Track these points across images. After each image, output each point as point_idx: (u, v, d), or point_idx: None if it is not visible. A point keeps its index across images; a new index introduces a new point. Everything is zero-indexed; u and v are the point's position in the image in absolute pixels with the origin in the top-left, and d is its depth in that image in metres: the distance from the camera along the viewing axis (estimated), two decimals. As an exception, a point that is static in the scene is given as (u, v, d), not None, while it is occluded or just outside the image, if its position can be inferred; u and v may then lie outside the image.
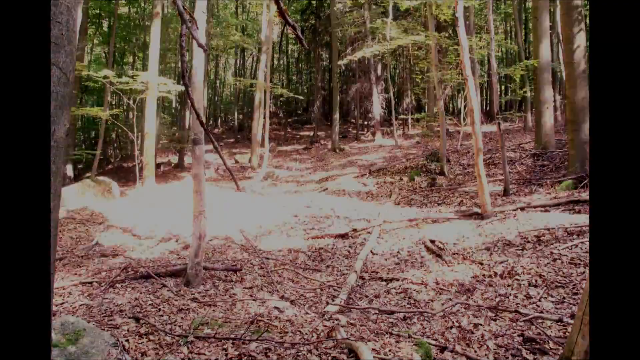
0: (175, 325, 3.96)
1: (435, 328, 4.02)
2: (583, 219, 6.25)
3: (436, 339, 3.79)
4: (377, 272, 5.67)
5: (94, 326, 3.48)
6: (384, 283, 5.31)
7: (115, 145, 23.31)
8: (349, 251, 6.62)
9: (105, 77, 12.44)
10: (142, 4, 20.55)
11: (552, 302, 4.27)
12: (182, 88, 12.69)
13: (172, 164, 19.54)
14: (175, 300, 4.62)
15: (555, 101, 16.17)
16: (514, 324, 3.92)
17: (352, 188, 10.56)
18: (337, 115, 19.39)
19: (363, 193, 10.03)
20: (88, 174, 15.60)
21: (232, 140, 24.30)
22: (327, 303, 4.66)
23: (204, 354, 3.41)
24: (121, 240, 7.81)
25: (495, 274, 5.07)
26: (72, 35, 1.92)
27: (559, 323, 3.84)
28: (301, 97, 27.00)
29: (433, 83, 13.44)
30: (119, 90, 13.14)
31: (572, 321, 3.65)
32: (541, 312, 4.10)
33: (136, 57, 23.05)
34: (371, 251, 6.38)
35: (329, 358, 3.34)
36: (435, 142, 14.22)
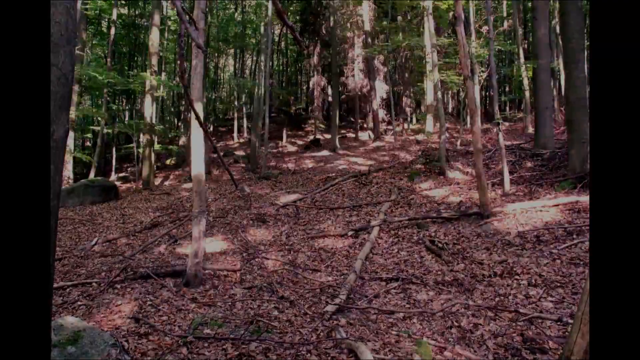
0: (175, 325, 3.96)
1: (435, 328, 4.02)
2: (583, 219, 6.26)
3: (436, 339, 3.78)
4: (376, 272, 5.67)
5: (94, 326, 3.47)
6: (384, 283, 5.31)
7: (114, 145, 23.27)
8: (348, 251, 6.61)
9: (104, 77, 12.44)
10: (141, 4, 20.52)
11: (552, 302, 4.28)
12: (181, 88, 12.68)
13: (172, 164, 19.52)
14: (175, 300, 4.62)
15: (554, 101, 16.17)
16: (514, 324, 3.92)
17: (351, 188, 10.56)
18: (336, 116, 19.38)
19: (363, 193, 10.03)
20: (87, 174, 15.59)
21: (231, 140, 24.28)
22: (327, 303, 4.66)
23: (204, 354, 3.41)
24: (121, 240, 7.80)
25: (495, 273, 5.07)
26: (71, 36, 1.92)
27: (559, 323, 3.84)
28: (301, 97, 26.96)
29: (433, 83, 13.44)
30: (117, 90, 13.15)
31: (571, 321, 3.65)
32: (541, 312, 4.10)
33: (135, 58, 23.03)
34: (371, 251, 6.38)
35: (329, 358, 3.34)
36: (435, 142, 14.22)
